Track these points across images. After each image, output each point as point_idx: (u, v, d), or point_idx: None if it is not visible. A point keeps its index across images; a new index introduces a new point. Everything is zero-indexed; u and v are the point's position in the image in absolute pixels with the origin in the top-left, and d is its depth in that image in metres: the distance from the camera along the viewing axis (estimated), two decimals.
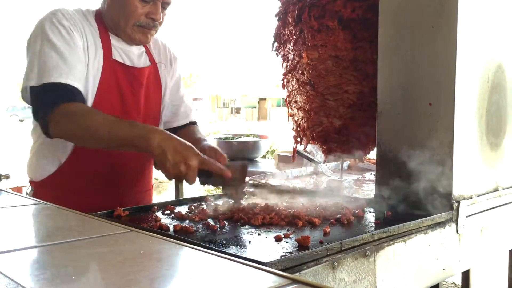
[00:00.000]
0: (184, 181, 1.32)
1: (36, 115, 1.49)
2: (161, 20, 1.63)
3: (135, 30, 1.61)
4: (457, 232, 1.42)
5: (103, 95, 1.59)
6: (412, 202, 1.47)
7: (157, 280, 0.65)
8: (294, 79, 1.84)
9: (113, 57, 1.63)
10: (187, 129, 1.87)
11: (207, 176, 1.33)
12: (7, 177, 1.49)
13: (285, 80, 1.92)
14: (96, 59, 1.58)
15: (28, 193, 1.72)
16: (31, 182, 1.74)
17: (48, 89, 1.45)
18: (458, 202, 1.42)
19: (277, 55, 1.92)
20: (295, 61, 1.80)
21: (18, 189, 4.86)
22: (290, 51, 1.82)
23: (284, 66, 1.89)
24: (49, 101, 1.44)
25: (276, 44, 1.90)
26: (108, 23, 1.65)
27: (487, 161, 1.58)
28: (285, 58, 1.88)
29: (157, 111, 1.79)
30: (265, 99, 36.44)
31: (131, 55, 1.70)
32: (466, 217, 1.45)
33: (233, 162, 1.51)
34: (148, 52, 1.77)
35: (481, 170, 1.56)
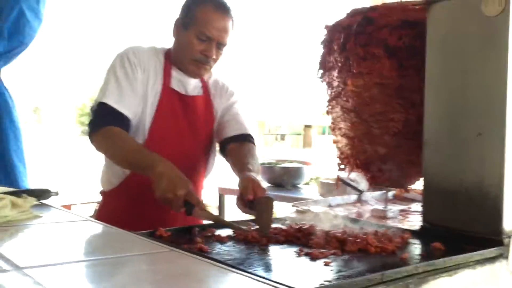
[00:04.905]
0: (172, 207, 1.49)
1: (88, 130, 1.78)
2: (214, 57, 1.86)
3: (191, 63, 1.86)
4: (508, 269, 1.35)
5: (160, 117, 1.85)
6: (460, 235, 1.41)
7: None
8: (339, 106, 1.83)
9: (171, 86, 1.89)
10: (242, 148, 1.93)
11: (191, 208, 1.47)
12: (56, 193, 1.56)
13: (330, 107, 1.91)
14: (155, 86, 1.86)
15: (98, 203, 1.98)
16: (101, 192, 1.97)
17: (100, 109, 1.76)
18: (509, 237, 1.35)
19: (322, 82, 1.92)
20: (340, 88, 1.80)
21: (68, 207, 5.04)
22: (335, 78, 1.82)
23: (329, 93, 1.89)
24: (97, 121, 1.75)
25: (321, 71, 1.90)
26: (172, 58, 1.92)
27: None
28: (329, 85, 1.88)
29: (208, 133, 2.00)
30: (310, 126, 36.29)
31: (187, 85, 1.94)
32: None
33: (263, 197, 1.54)
34: (204, 86, 2.00)
35: None
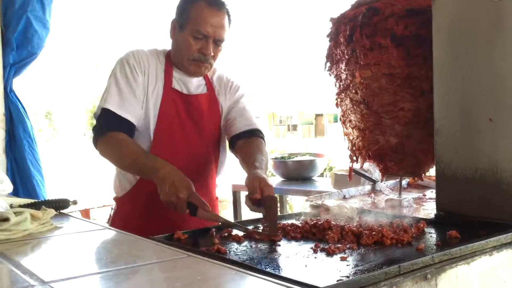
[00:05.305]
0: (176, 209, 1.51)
1: (92, 136, 1.80)
2: (212, 54, 1.83)
3: (191, 63, 1.84)
4: None
5: (164, 118, 1.85)
6: (475, 222, 1.41)
7: None
8: (348, 98, 1.83)
9: (172, 86, 1.88)
10: (250, 143, 1.92)
11: (195, 209, 1.50)
12: (75, 203, 1.59)
13: (339, 100, 1.91)
14: (156, 88, 1.85)
15: (113, 208, 1.99)
16: (114, 198, 1.97)
17: (103, 115, 1.78)
18: None
19: (330, 75, 1.92)
20: (348, 81, 1.80)
21: (86, 211, 5.11)
22: (342, 71, 1.82)
23: (337, 85, 1.89)
24: (100, 127, 1.77)
25: (328, 64, 1.90)
26: (172, 59, 1.91)
27: None
28: (338, 77, 1.87)
29: (216, 130, 1.99)
30: (321, 115, 36.15)
31: (189, 85, 1.93)
32: None
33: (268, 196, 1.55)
34: (208, 83, 1.98)
35: None
